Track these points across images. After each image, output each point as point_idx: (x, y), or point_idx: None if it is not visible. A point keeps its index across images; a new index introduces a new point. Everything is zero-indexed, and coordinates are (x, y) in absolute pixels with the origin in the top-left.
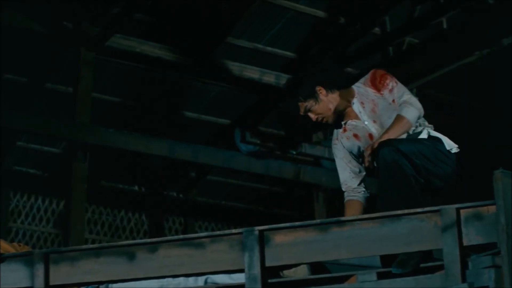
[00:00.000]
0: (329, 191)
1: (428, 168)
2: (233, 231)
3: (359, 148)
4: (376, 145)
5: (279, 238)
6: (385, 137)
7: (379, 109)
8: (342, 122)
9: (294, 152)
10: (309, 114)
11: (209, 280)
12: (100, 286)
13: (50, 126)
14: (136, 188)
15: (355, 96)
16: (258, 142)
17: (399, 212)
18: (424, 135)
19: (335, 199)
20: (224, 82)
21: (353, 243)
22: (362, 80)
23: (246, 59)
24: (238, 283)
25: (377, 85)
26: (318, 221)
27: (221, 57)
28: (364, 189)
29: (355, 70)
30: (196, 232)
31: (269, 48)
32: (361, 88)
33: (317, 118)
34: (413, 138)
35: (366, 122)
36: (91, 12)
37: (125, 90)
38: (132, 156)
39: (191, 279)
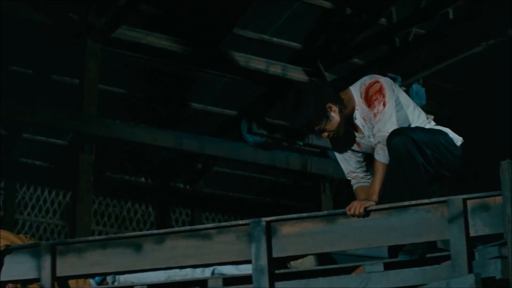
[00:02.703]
0: (336, 182)
1: (438, 158)
2: (240, 222)
3: (357, 152)
4: (362, 210)
5: (286, 229)
6: (375, 188)
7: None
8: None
9: (301, 143)
10: (320, 132)
11: (216, 271)
12: (107, 277)
13: (56, 118)
14: (142, 179)
15: (356, 108)
16: (265, 133)
17: (406, 203)
18: (431, 126)
19: (342, 190)
20: (231, 73)
21: (360, 234)
22: (361, 89)
23: (253, 50)
24: (245, 274)
25: (368, 101)
26: (325, 212)
27: (227, 48)
28: (370, 176)
29: (362, 61)
30: (203, 224)
31: (275, 39)
32: (360, 102)
33: (328, 135)
34: (422, 127)
35: (370, 138)
36: (97, 4)
37: (132, 82)
38: (138, 148)
39: (198, 270)
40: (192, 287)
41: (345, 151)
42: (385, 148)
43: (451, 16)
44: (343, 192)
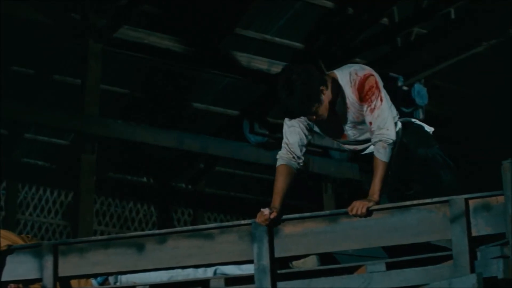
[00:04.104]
0: (338, 181)
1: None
2: (242, 222)
3: (322, 133)
4: (364, 210)
5: (288, 229)
6: (376, 189)
7: (362, 118)
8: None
9: None
10: (310, 116)
11: (218, 271)
12: (109, 278)
13: (58, 118)
14: (144, 179)
15: (340, 94)
16: (267, 133)
17: (408, 203)
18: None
19: (344, 190)
20: (232, 73)
21: (362, 233)
22: (351, 77)
23: (254, 50)
24: (247, 274)
25: (361, 95)
26: (327, 212)
27: (229, 48)
28: (302, 162)
29: (363, 61)
30: (205, 223)
31: (277, 39)
32: (347, 90)
33: (316, 118)
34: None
35: (346, 126)
36: (98, 4)
37: (133, 82)
38: (140, 148)
39: (200, 270)
40: (194, 287)
41: (300, 126)
42: (387, 146)
43: (452, 16)
44: (345, 192)
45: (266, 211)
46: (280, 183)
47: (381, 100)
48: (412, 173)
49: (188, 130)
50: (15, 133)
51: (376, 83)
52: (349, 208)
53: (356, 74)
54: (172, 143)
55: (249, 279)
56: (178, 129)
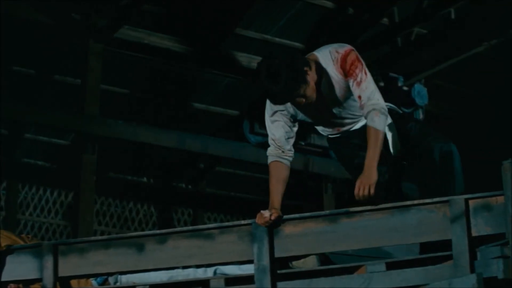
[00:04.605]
0: (338, 181)
1: None
2: (242, 222)
3: (306, 117)
4: (372, 190)
5: (288, 229)
6: (373, 161)
7: (347, 94)
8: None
9: (303, 143)
10: (299, 99)
11: (218, 271)
12: (109, 278)
13: (59, 118)
14: (145, 179)
15: (323, 74)
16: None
17: (408, 202)
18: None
19: (344, 190)
20: (233, 73)
21: (362, 234)
22: (332, 56)
23: (255, 50)
24: (247, 274)
25: (345, 70)
26: (327, 212)
27: (229, 48)
28: (292, 154)
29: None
30: (205, 224)
31: (277, 39)
32: (330, 68)
33: (305, 101)
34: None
35: (331, 107)
36: (99, 4)
37: (134, 82)
38: (141, 148)
39: (200, 270)
40: (194, 287)
41: (283, 117)
42: (381, 115)
43: (452, 16)
44: (345, 192)
45: (266, 213)
46: (275, 182)
47: (366, 73)
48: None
49: (188, 130)
50: (15, 133)
51: (357, 57)
52: (356, 193)
53: (336, 52)
54: (172, 143)
55: (249, 279)
56: (178, 129)
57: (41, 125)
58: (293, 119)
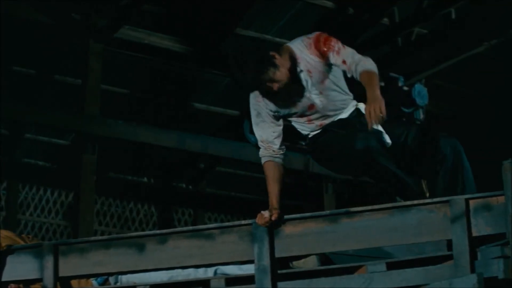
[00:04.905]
0: (339, 181)
1: None
2: (243, 222)
3: (289, 111)
4: (383, 108)
5: (288, 229)
6: (377, 93)
7: (328, 81)
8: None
9: (303, 143)
10: (270, 84)
11: (218, 271)
12: (110, 278)
13: (59, 118)
14: (145, 179)
15: (299, 62)
16: None
17: (408, 202)
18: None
19: (344, 190)
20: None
21: (362, 234)
22: (304, 42)
23: None
24: (248, 274)
25: (321, 49)
26: (327, 212)
27: (229, 48)
28: (284, 152)
29: None
30: (206, 224)
31: (277, 39)
32: (305, 54)
33: (278, 87)
34: None
35: (312, 94)
36: (99, 4)
37: (134, 82)
38: (141, 148)
39: (200, 270)
40: (194, 287)
41: (267, 116)
42: (369, 60)
43: (453, 16)
44: (346, 192)
45: (266, 213)
46: (271, 182)
47: (343, 45)
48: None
49: (188, 130)
50: (15, 133)
51: (329, 35)
52: (367, 118)
53: (308, 38)
54: (172, 143)
55: (249, 279)
56: (178, 129)
57: (41, 125)
58: (277, 117)
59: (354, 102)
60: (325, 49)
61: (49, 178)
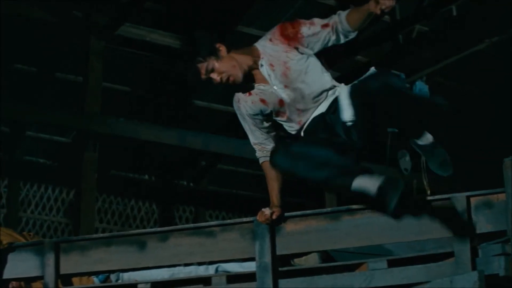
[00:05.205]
0: None
1: None
2: (244, 219)
3: (266, 110)
4: None
5: (290, 227)
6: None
7: (291, 73)
8: (249, 85)
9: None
10: (212, 75)
11: (220, 269)
12: (111, 275)
13: (60, 116)
14: (146, 177)
15: (261, 57)
16: None
17: (409, 200)
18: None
19: None
20: None
21: (363, 231)
22: (267, 36)
23: None
24: (249, 272)
25: (288, 32)
26: (329, 209)
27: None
28: None
29: (365, 58)
30: (207, 221)
31: None
32: (268, 47)
33: (221, 78)
34: None
35: (275, 87)
36: (100, 1)
37: (135, 79)
38: (142, 146)
39: (202, 267)
40: (196, 285)
41: (249, 119)
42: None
43: (454, 14)
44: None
45: (267, 211)
46: (271, 181)
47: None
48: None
49: (190, 127)
50: (16, 131)
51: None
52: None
53: (270, 31)
54: (174, 141)
55: (251, 276)
56: (180, 127)
57: (43, 123)
58: (260, 119)
59: (335, 91)
60: (294, 28)
61: (50, 175)
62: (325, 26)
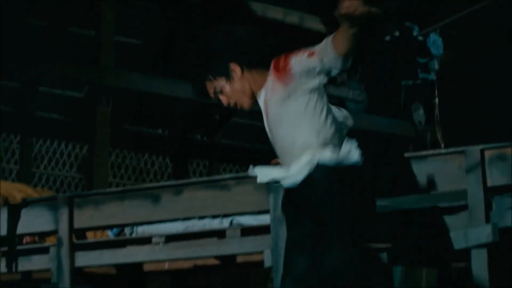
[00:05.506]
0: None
1: None
2: None
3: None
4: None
5: None
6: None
7: (269, 115)
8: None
9: None
10: (221, 97)
11: (234, 222)
12: (125, 229)
13: (73, 71)
14: (159, 131)
15: (264, 88)
16: None
17: (423, 153)
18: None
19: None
20: (247, 23)
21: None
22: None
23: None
24: (263, 224)
25: (279, 67)
26: None
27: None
28: None
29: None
30: (221, 175)
31: None
32: (270, 80)
33: (229, 103)
34: None
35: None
36: None
37: (148, 32)
38: (156, 100)
39: (216, 220)
40: (210, 238)
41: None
42: None
43: None
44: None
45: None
46: None
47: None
48: None
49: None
50: (29, 86)
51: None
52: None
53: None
54: (187, 95)
55: (265, 229)
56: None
57: (55, 77)
58: None
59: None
60: (286, 59)
61: (63, 131)
62: (311, 54)
